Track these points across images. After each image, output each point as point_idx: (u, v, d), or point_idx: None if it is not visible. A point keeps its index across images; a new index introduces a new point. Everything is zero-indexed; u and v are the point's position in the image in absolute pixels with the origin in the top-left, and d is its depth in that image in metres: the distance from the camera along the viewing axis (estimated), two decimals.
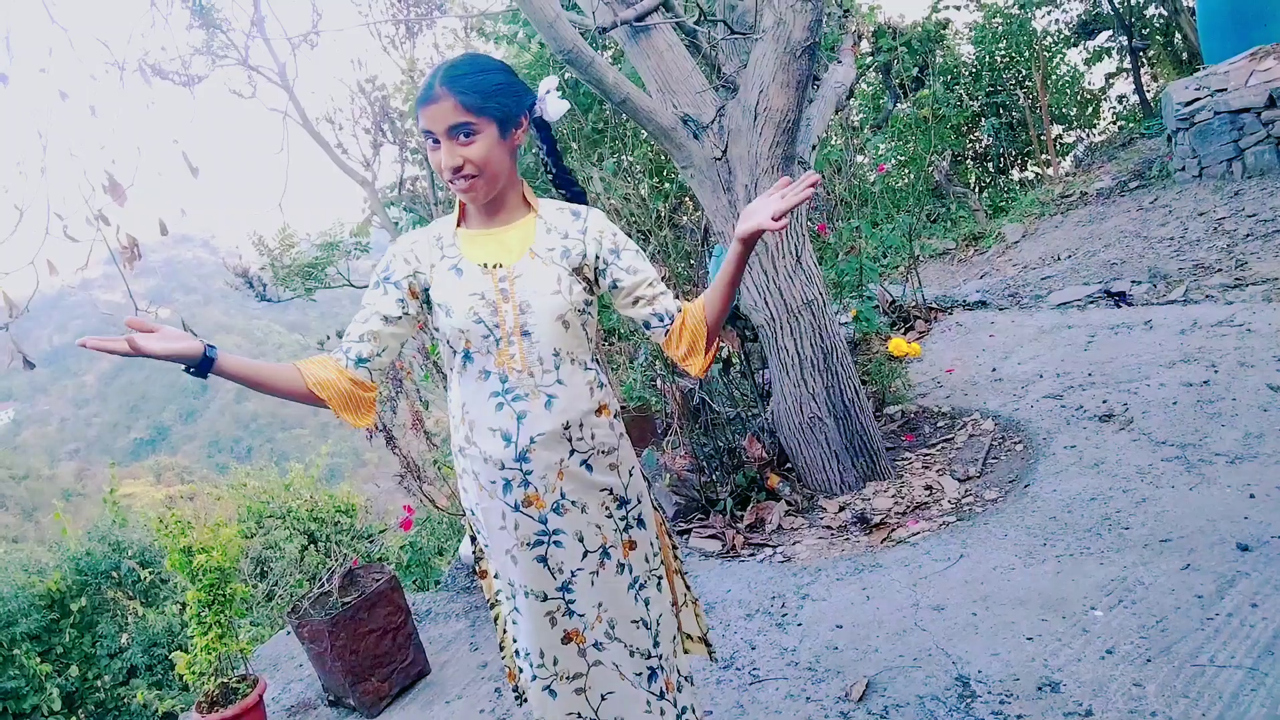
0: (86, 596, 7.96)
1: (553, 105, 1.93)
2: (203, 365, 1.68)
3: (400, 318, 1.88)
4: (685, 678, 2.08)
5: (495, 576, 2.04)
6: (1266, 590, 2.67)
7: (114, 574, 8.11)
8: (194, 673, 3.45)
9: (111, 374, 65.93)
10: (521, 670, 2.01)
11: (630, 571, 1.95)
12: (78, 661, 7.75)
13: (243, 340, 67.75)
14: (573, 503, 1.86)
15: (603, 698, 1.94)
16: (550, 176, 2.13)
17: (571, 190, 2.10)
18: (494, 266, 1.84)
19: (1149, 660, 2.53)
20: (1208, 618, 2.63)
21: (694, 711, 2.08)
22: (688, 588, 2.21)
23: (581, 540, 1.88)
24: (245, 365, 1.76)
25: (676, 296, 3.98)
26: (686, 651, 2.21)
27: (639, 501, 1.98)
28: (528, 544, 1.86)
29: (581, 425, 1.86)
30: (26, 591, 7.65)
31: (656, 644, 1.98)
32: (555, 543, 1.87)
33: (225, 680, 3.47)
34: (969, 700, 2.57)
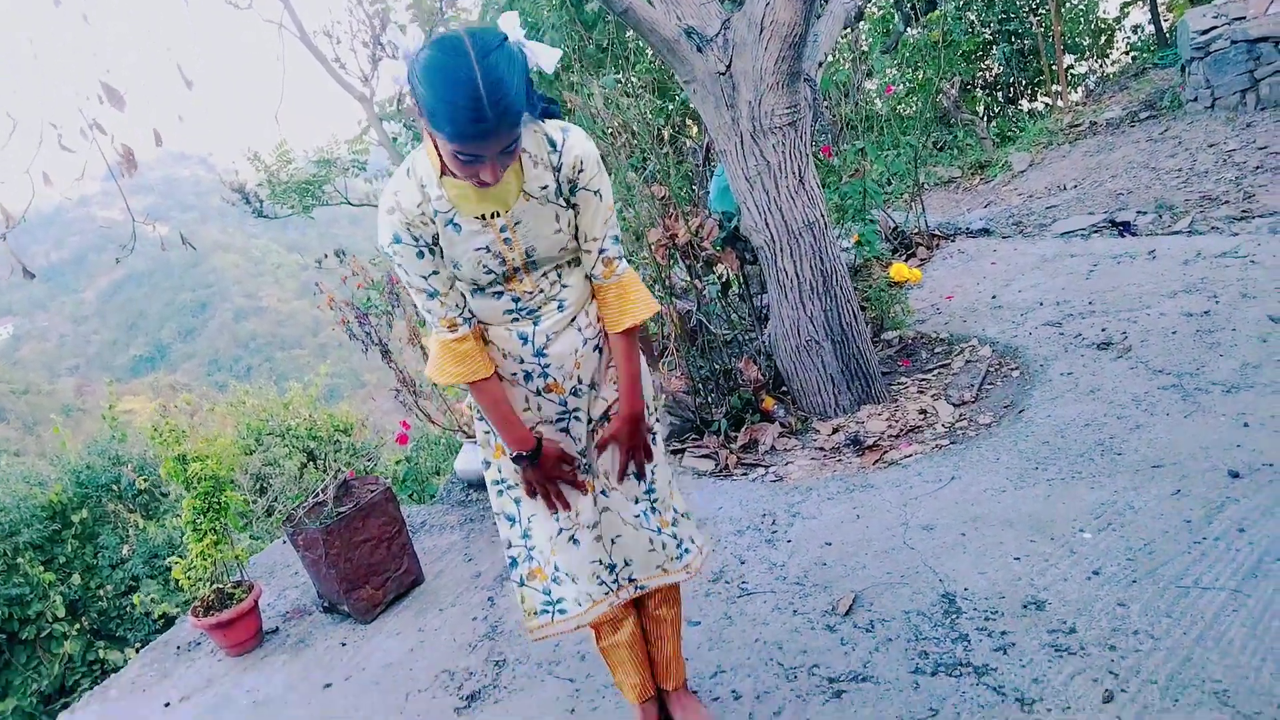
0: (87, 508, 8.05)
1: (545, 58, 1.73)
2: (533, 455, 1.97)
3: (436, 271, 1.87)
4: (682, 515, 2.22)
5: (500, 466, 2.07)
6: (1254, 516, 2.69)
7: (114, 487, 8.19)
8: (190, 578, 3.49)
9: (110, 291, 65.77)
10: (541, 550, 2.08)
11: None
12: (80, 571, 7.87)
13: (241, 259, 67.43)
14: (589, 386, 2.01)
15: (613, 541, 2.11)
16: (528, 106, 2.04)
17: (546, 109, 1.88)
18: (492, 216, 1.79)
19: (1134, 581, 2.56)
20: (1195, 541, 2.65)
21: (694, 541, 2.22)
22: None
23: (590, 409, 2.06)
24: (513, 416, 1.97)
25: (672, 219, 3.88)
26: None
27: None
28: (550, 421, 2.01)
29: (587, 312, 1.97)
30: (29, 502, 7.73)
31: (650, 490, 2.13)
32: (575, 417, 2.02)
33: (221, 586, 3.53)
34: (954, 616, 2.61)
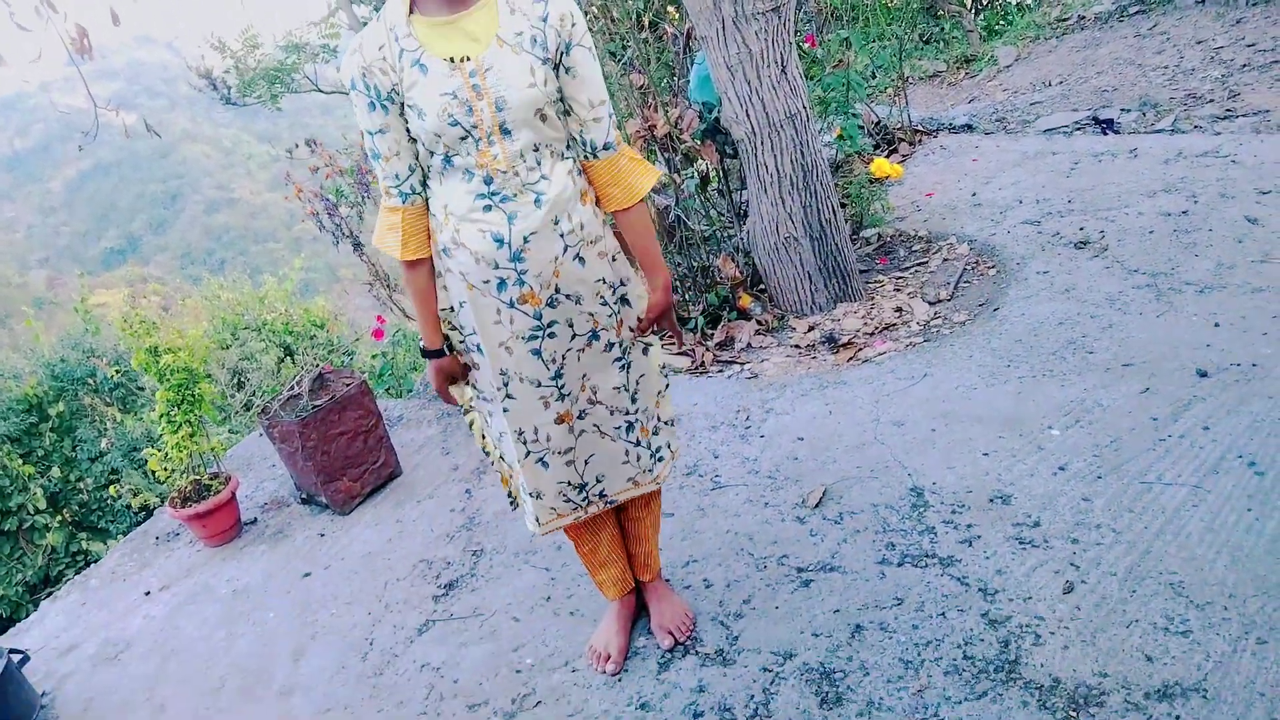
0: (64, 402, 8.02)
1: None
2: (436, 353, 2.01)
3: (388, 125, 1.82)
4: (665, 422, 2.21)
5: (469, 384, 2.08)
6: (1219, 414, 2.74)
7: (90, 380, 8.15)
8: (166, 470, 3.50)
9: (78, 181, 64.06)
10: (510, 458, 2.09)
11: (620, 347, 2.01)
12: (59, 464, 7.89)
13: (211, 149, 65.69)
14: (567, 296, 1.88)
15: (586, 462, 2.08)
16: None
17: None
18: (462, 60, 1.72)
19: (1099, 477, 2.61)
20: (1160, 439, 2.70)
21: (670, 448, 2.23)
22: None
23: (571, 325, 1.92)
24: (429, 310, 1.98)
25: (651, 109, 3.76)
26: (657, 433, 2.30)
27: (624, 283, 2.01)
28: (522, 337, 1.89)
29: (570, 216, 1.84)
30: (4, 395, 7.68)
31: (634, 401, 2.08)
32: (549, 334, 1.90)
33: (198, 478, 3.54)
34: (922, 510, 2.66)
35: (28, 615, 3.57)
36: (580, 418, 2.03)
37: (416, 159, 1.85)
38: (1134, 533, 2.37)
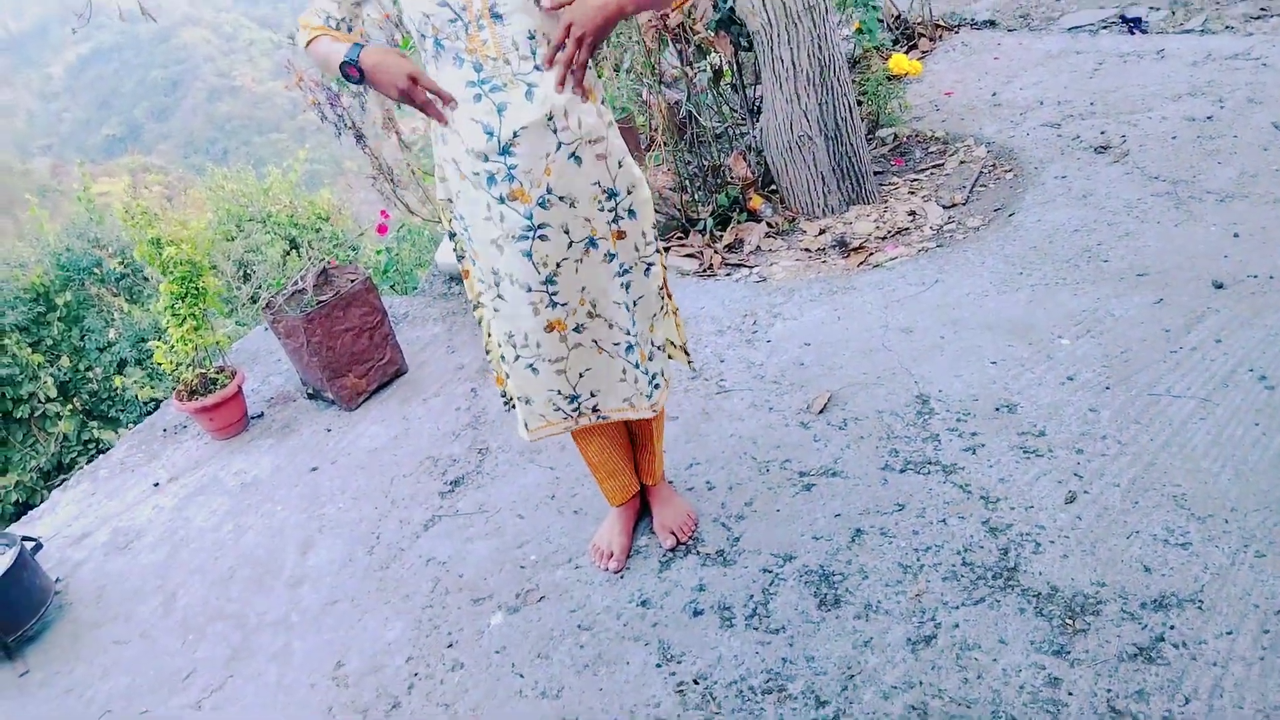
0: (71, 291, 8.02)
1: None
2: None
3: (356, 6, 1.82)
4: (659, 347, 2.14)
5: (478, 278, 2.02)
6: (1233, 327, 2.70)
7: (96, 270, 8.13)
8: (172, 363, 3.51)
9: (78, 67, 62.71)
10: (504, 359, 2.05)
11: (619, 260, 1.93)
12: (68, 354, 7.94)
13: (211, 35, 64.04)
14: (560, 198, 1.80)
15: (580, 375, 2.02)
16: None
17: None
18: None
19: (1107, 388, 2.59)
20: (1171, 350, 2.68)
21: (664, 374, 2.16)
22: (669, 296, 2.21)
23: (567, 232, 1.84)
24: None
25: None
26: (670, 357, 2.26)
27: (629, 193, 1.92)
28: (513, 236, 1.82)
29: (566, 113, 1.75)
30: (11, 284, 7.68)
31: (634, 322, 2.00)
32: (540, 236, 1.82)
33: (204, 371, 3.54)
34: (927, 416, 2.66)
35: (42, 501, 3.63)
36: (577, 331, 1.96)
37: (345, 10, 1.86)
38: (1139, 445, 2.37)
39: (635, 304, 2.01)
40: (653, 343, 2.11)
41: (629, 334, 2.00)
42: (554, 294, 1.89)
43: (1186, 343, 2.70)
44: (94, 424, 7.99)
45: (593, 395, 2.06)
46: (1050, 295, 3.09)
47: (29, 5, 64.42)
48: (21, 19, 66.94)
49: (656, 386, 2.11)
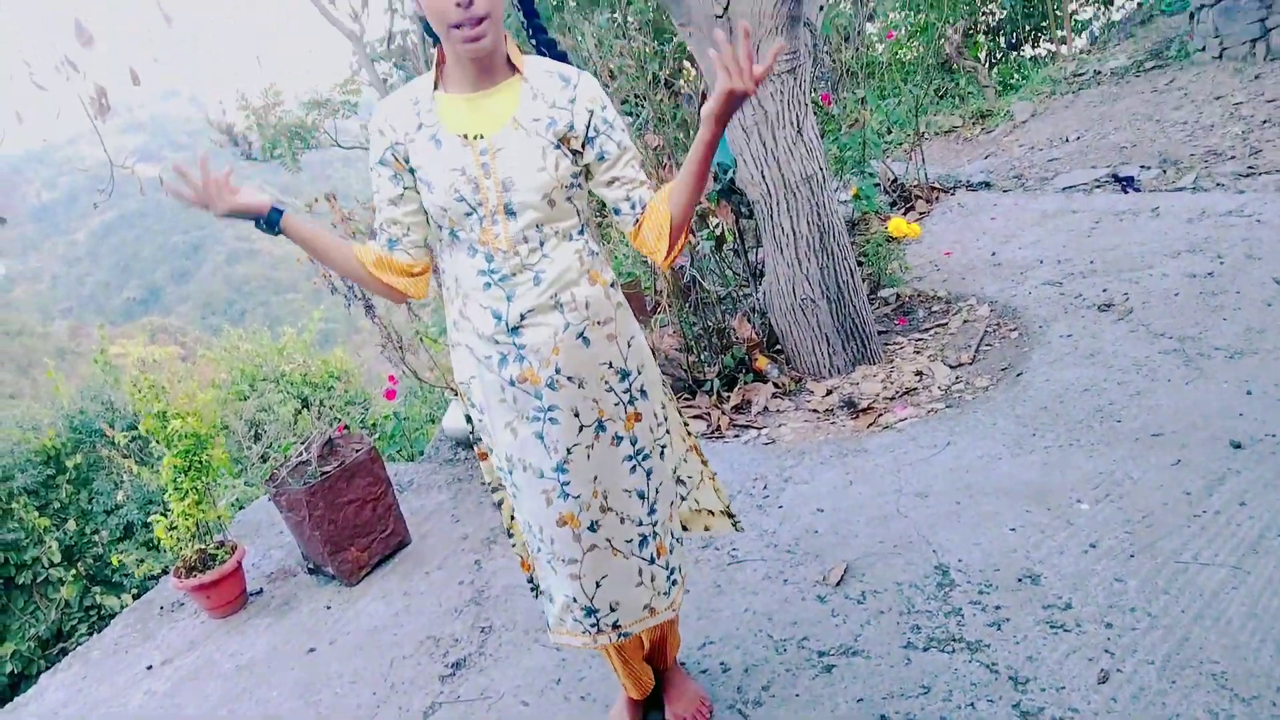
0: (82, 454, 8.01)
1: None
2: (272, 219, 1.77)
3: (403, 194, 1.82)
4: (676, 539, 2.06)
5: (496, 464, 1.99)
6: (1256, 489, 2.63)
7: (107, 432, 8.17)
8: (173, 538, 3.44)
9: (102, 232, 65.13)
10: (530, 548, 2.00)
11: (632, 444, 1.89)
12: (75, 517, 7.86)
13: None
14: (569, 378, 1.79)
15: (597, 584, 1.92)
16: (531, 40, 1.96)
17: (554, 53, 1.93)
18: (474, 138, 1.72)
19: (1132, 556, 2.50)
20: (1194, 515, 2.60)
21: (680, 570, 2.07)
22: (704, 462, 2.17)
23: (577, 415, 1.82)
24: (310, 230, 1.84)
25: (668, 170, 3.75)
26: (707, 529, 2.20)
27: (640, 372, 1.91)
28: (526, 418, 1.81)
29: (573, 296, 1.78)
30: (23, 447, 7.69)
31: (652, 511, 1.94)
32: (551, 419, 1.81)
33: (204, 547, 3.47)
34: (947, 589, 2.56)
35: (39, 671, 3.49)
36: (592, 530, 1.87)
37: (421, 220, 1.85)
38: (1171, 617, 2.26)
39: (657, 490, 1.95)
40: (672, 534, 2.03)
41: (642, 525, 1.92)
42: (565, 484, 1.84)
43: (1209, 506, 2.62)
44: (97, 589, 7.83)
45: (612, 610, 1.94)
46: (1065, 457, 3.03)
47: (60, 176, 67.47)
48: (54, 189, 70.00)
49: (674, 583, 2.02)
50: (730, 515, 2.23)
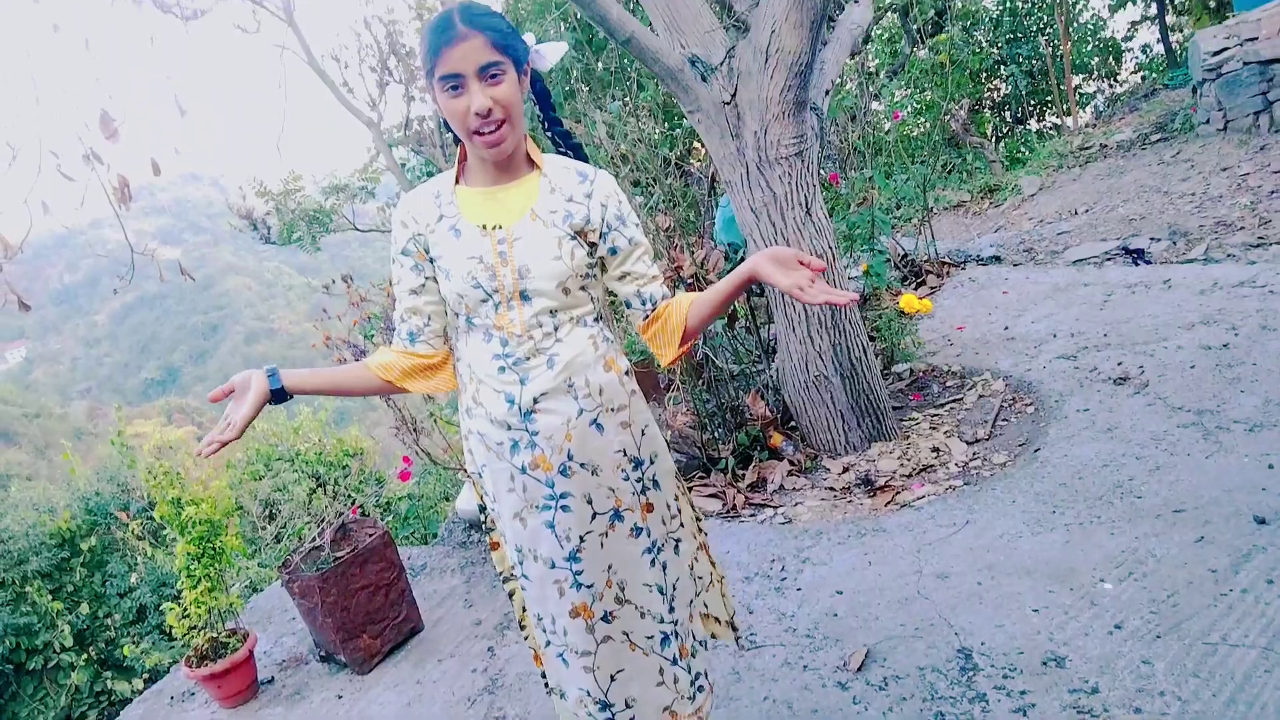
0: (96, 536, 8.01)
1: (549, 52, 1.84)
2: (277, 395, 1.79)
3: (424, 284, 1.84)
4: (700, 642, 2.01)
5: (507, 545, 1.96)
6: None
7: (123, 514, 8.18)
8: (184, 626, 3.41)
9: (122, 314, 66.13)
10: (540, 642, 1.95)
11: (648, 535, 1.86)
12: (88, 599, 7.82)
13: (253, 282, 67.68)
14: (581, 465, 1.78)
15: (612, 678, 1.86)
16: (547, 133, 2.01)
17: (569, 145, 1.98)
18: (493, 228, 1.76)
19: (1159, 637, 2.45)
20: (1221, 594, 2.54)
21: (707, 676, 2.01)
22: (713, 564, 2.13)
23: (590, 503, 1.80)
24: (316, 378, 1.86)
25: (678, 250, 3.79)
26: (713, 636, 2.14)
27: (653, 461, 1.90)
28: (536, 507, 1.79)
29: (587, 381, 1.78)
30: (38, 530, 7.70)
31: (672, 609, 1.90)
32: (563, 507, 1.79)
33: (215, 635, 3.44)
34: (971, 673, 2.50)
35: None
36: (606, 620, 1.83)
37: (441, 309, 1.86)
38: (1202, 701, 2.20)
39: (674, 586, 1.91)
40: (694, 635, 1.98)
41: (663, 623, 1.88)
42: (578, 573, 1.81)
43: (1236, 584, 2.57)
44: (108, 674, 7.74)
45: (628, 706, 1.88)
46: (1086, 535, 2.98)
47: (83, 259, 68.81)
48: (75, 271, 71.32)
49: (700, 689, 1.95)
50: (734, 628, 2.17)
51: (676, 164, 5.18)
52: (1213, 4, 11.99)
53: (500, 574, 2.03)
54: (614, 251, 1.82)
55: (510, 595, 2.04)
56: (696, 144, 5.24)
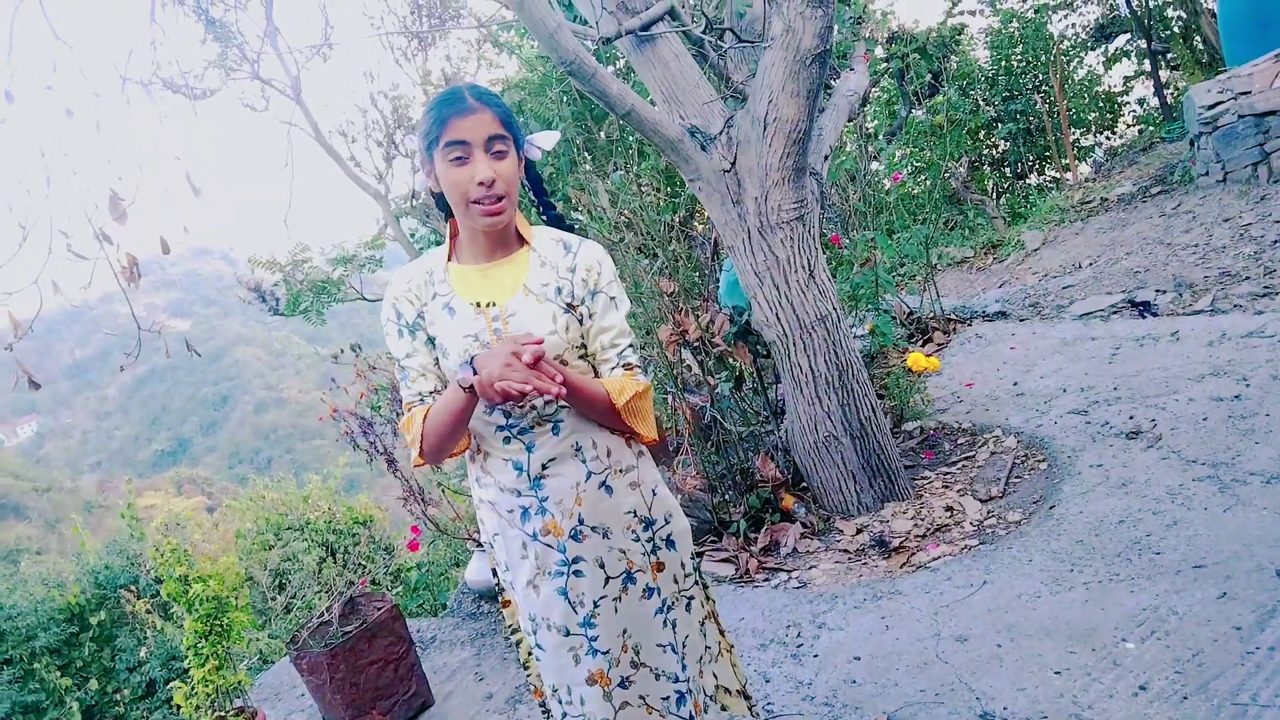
0: (106, 610, 7.94)
1: (543, 141, 1.90)
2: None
3: (435, 359, 1.85)
4: (710, 698, 2.00)
5: (521, 616, 1.96)
6: None
7: (132, 588, 8.13)
8: (191, 705, 3.36)
9: (133, 386, 66.47)
10: (549, 705, 1.94)
11: (659, 595, 1.86)
12: (97, 675, 7.73)
13: (262, 352, 68.12)
14: (592, 528, 1.79)
15: None
16: (542, 216, 2.05)
17: (561, 227, 2.00)
18: (487, 305, 1.78)
19: (1185, 698, 2.39)
20: (1247, 651, 2.49)
21: None
22: (722, 633, 2.11)
23: (603, 566, 1.80)
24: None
25: (683, 314, 3.78)
26: (724, 709, 2.11)
27: (666, 522, 1.91)
28: (549, 573, 1.79)
29: (594, 443, 1.80)
30: (46, 605, 7.65)
31: (684, 667, 1.89)
32: (575, 572, 1.79)
33: (223, 714, 3.38)
34: None
35: None
36: (623, 686, 1.83)
37: (442, 382, 1.85)
38: None
39: (684, 643, 1.91)
40: (704, 691, 1.97)
41: (678, 682, 1.87)
42: (594, 639, 1.80)
43: (1262, 641, 2.51)
44: None
45: None
46: (1106, 594, 2.93)
47: (93, 334, 69.44)
48: (86, 345, 71.90)
49: None
50: (747, 697, 2.15)
51: (680, 227, 5.23)
52: (1204, 59, 12.18)
53: (509, 625, 2.02)
54: (590, 315, 1.82)
55: (516, 644, 2.03)
56: (699, 207, 5.30)
